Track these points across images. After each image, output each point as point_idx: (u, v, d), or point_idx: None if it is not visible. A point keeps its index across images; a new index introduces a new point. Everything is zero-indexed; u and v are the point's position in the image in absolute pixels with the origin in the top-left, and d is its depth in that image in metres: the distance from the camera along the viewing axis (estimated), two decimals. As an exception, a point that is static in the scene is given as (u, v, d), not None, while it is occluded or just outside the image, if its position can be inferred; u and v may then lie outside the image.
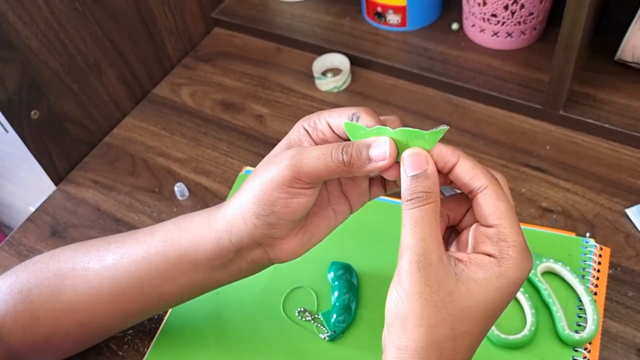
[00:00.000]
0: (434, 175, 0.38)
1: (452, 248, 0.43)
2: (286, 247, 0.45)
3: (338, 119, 0.42)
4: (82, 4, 0.70)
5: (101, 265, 0.49)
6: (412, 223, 0.37)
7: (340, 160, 0.40)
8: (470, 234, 0.40)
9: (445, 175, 0.40)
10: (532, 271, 0.55)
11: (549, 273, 0.57)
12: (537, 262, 0.56)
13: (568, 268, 0.56)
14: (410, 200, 0.37)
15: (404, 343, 0.36)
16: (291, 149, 0.42)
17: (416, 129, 0.39)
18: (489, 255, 0.37)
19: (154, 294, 0.49)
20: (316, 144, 0.44)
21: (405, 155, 0.39)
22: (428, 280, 0.36)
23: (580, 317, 0.54)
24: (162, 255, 0.47)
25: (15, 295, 0.50)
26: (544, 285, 0.54)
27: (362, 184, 0.47)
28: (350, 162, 0.40)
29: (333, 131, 0.43)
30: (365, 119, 0.41)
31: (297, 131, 0.44)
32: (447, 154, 0.39)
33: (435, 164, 0.39)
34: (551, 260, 0.56)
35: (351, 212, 0.48)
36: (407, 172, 0.38)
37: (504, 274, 0.36)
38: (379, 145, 0.39)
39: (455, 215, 0.42)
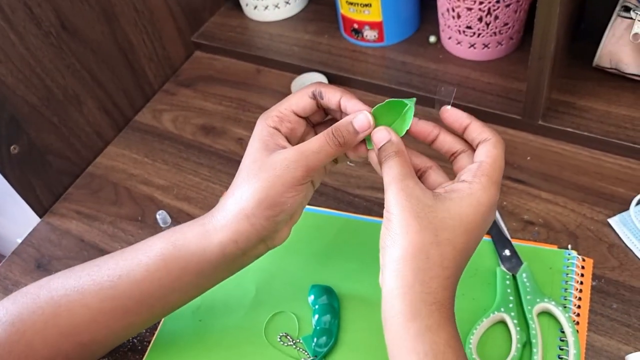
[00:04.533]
0: (398, 140, 0.47)
1: (430, 178, 0.49)
2: (282, 235, 0.50)
3: (301, 102, 0.49)
4: (58, 38, 0.70)
5: (98, 288, 0.50)
6: (388, 167, 0.45)
7: (336, 143, 0.46)
8: (457, 171, 0.47)
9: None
10: (529, 307, 0.54)
11: (546, 313, 0.55)
12: (538, 300, 0.55)
13: (560, 309, 0.54)
14: (384, 158, 0.45)
15: (395, 254, 0.41)
16: (286, 151, 0.46)
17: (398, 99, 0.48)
18: (463, 181, 0.44)
19: (157, 304, 0.51)
20: (287, 137, 0.49)
21: (373, 133, 0.47)
22: (408, 196, 0.42)
23: (562, 349, 0.53)
24: (164, 271, 0.49)
25: (8, 327, 0.50)
26: (533, 325, 0.53)
27: None
28: (344, 141, 0.47)
29: (299, 116, 0.49)
30: (328, 91, 0.48)
31: (266, 132, 0.48)
32: (460, 116, 0.47)
33: (452, 124, 0.48)
34: (552, 302, 0.54)
35: (314, 189, 0.53)
36: (377, 145, 0.47)
37: (473, 194, 0.43)
38: (359, 118, 0.47)
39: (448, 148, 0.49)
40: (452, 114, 0.48)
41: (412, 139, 0.48)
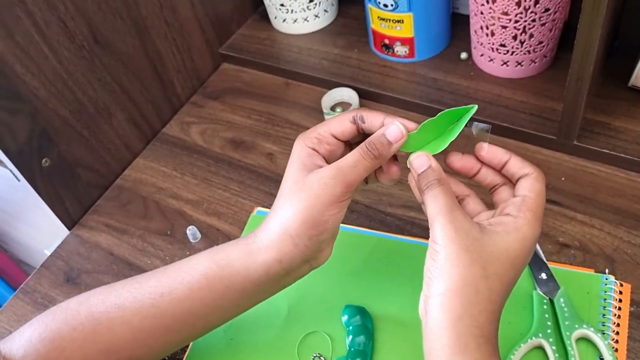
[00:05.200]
0: (438, 167, 0.46)
1: (468, 206, 0.50)
2: (325, 254, 0.51)
3: (340, 127, 0.49)
4: (90, 52, 0.70)
5: (139, 305, 0.50)
6: (433, 198, 0.44)
7: (372, 156, 0.47)
8: (498, 203, 0.48)
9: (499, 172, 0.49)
10: (567, 333, 0.54)
11: (584, 339, 0.54)
12: (577, 325, 0.54)
13: (599, 335, 0.53)
14: (426, 187, 0.45)
15: (444, 287, 0.41)
16: (323, 169, 0.47)
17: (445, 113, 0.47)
18: (508, 215, 0.44)
19: (198, 323, 0.51)
20: (325, 159, 0.49)
21: (412, 158, 0.47)
22: (457, 229, 0.42)
23: None
24: (207, 290, 0.49)
25: (47, 344, 0.50)
26: (572, 352, 0.52)
27: None
28: (379, 154, 0.47)
29: (338, 139, 0.49)
30: (370, 115, 0.48)
31: (305, 153, 0.49)
32: (500, 153, 0.47)
33: (490, 161, 0.48)
34: (591, 328, 0.54)
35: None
36: (417, 171, 0.47)
37: (519, 228, 0.43)
38: (391, 129, 0.47)
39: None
40: (490, 152, 0.48)
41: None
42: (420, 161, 0.47)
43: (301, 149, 0.49)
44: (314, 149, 0.49)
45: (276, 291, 0.52)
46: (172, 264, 0.52)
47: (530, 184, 0.46)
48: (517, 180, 0.47)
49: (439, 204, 0.44)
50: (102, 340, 0.50)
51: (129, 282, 0.52)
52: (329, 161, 0.49)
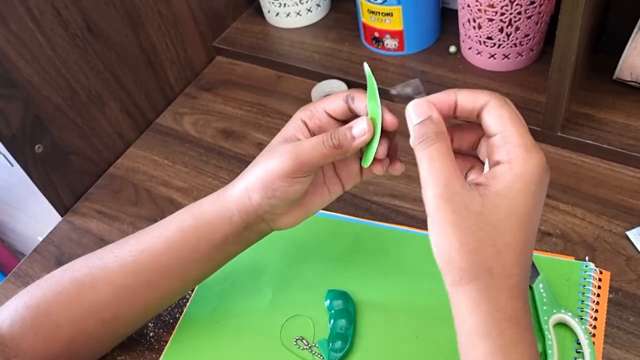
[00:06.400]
0: (439, 118, 0.41)
1: (472, 176, 0.45)
2: (285, 220, 0.52)
3: (333, 104, 0.49)
4: (83, 40, 0.72)
5: (121, 263, 0.52)
6: (428, 159, 0.39)
7: (331, 145, 0.46)
8: (483, 152, 0.44)
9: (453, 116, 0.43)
10: (545, 318, 0.54)
11: (562, 324, 0.55)
12: (554, 310, 0.55)
13: (576, 320, 0.54)
14: (422, 141, 0.40)
15: (456, 277, 0.38)
16: (288, 144, 0.48)
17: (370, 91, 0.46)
18: (500, 162, 0.39)
19: (175, 277, 0.54)
20: (313, 133, 0.49)
21: (410, 106, 0.42)
22: (456, 209, 0.38)
23: None
24: (181, 242, 0.52)
25: (33, 310, 0.52)
26: (549, 335, 0.53)
27: (353, 167, 0.52)
28: (339, 144, 0.46)
29: (330, 116, 0.49)
30: (360, 97, 0.47)
31: (294, 124, 0.50)
32: (444, 97, 0.41)
33: (441, 111, 0.41)
34: (569, 313, 0.54)
35: (343, 191, 0.54)
36: (413, 121, 0.41)
37: (519, 174, 0.38)
38: (358, 124, 0.46)
39: (468, 143, 0.45)
40: (436, 102, 0.41)
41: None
42: (419, 109, 0.41)
43: (294, 119, 0.50)
44: (304, 122, 0.50)
45: (244, 246, 0.54)
46: (155, 223, 0.55)
47: (495, 113, 0.40)
48: (478, 115, 0.41)
49: (435, 169, 0.39)
50: (86, 302, 0.52)
51: (111, 245, 0.55)
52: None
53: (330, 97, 0.50)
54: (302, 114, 0.50)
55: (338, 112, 0.49)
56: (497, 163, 0.39)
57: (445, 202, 0.38)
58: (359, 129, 0.46)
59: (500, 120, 0.39)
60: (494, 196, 0.38)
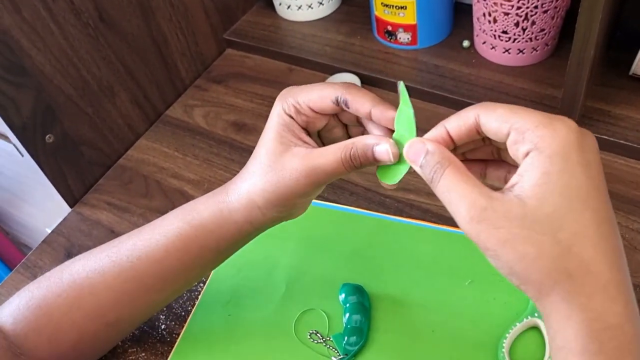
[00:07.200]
0: (437, 147, 0.37)
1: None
2: (299, 213, 0.50)
3: (320, 103, 0.44)
4: (95, 30, 0.71)
5: (119, 269, 0.51)
6: (446, 191, 0.36)
7: (351, 166, 0.43)
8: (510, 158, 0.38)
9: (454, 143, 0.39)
10: None
11: None
12: None
13: None
14: (432, 178, 0.37)
15: (535, 292, 0.34)
16: (298, 161, 0.44)
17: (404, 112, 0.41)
18: (528, 153, 0.34)
19: (179, 279, 0.52)
20: (304, 127, 0.45)
21: (405, 152, 0.39)
22: (494, 223, 0.33)
23: None
24: (183, 251, 0.50)
25: (35, 311, 0.51)
26: None
27: None
28: (360, 164, 0.43)
29: (315, 112, 0.45)
30: (355, 102, 0.43)
31: (281, 121, 0.45)
32: (435, 133, 0.39)
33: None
34: None
35: None
36: (415, 164, 0.39)
37: (552, 153, 0.33)
38: (381, 149, 0.41)
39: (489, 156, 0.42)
40: (431, 136, 0.39)
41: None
42: (415, 150, 0.38)
43: (279, 114, 0.45)
44: (291, 117, 0.45)
45: (252, 239, 0.52)
46: (145, 226, 0.52)
47: (493, 115, 0.36)
48: (479, 131, 0.38)
49: (454, 197, 0.35)
50: (87, 306, 0.51)
51: (107, 246, 0.53)
52: (309, 130, 0.46)
53: (314, 91, 0.44)
54: (285, 107, 0.45)
55: (327, 112, 0.45)
56: (526, 153, 0.35)
57: (478, 223, 0.34)
58: (382, 155, 0.41)
59: (501, 117, 0.36)
60: (533, 189, 0.33)
